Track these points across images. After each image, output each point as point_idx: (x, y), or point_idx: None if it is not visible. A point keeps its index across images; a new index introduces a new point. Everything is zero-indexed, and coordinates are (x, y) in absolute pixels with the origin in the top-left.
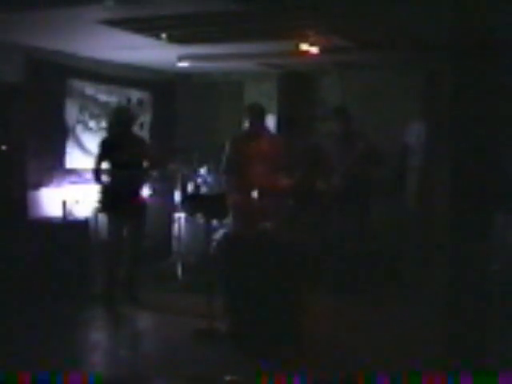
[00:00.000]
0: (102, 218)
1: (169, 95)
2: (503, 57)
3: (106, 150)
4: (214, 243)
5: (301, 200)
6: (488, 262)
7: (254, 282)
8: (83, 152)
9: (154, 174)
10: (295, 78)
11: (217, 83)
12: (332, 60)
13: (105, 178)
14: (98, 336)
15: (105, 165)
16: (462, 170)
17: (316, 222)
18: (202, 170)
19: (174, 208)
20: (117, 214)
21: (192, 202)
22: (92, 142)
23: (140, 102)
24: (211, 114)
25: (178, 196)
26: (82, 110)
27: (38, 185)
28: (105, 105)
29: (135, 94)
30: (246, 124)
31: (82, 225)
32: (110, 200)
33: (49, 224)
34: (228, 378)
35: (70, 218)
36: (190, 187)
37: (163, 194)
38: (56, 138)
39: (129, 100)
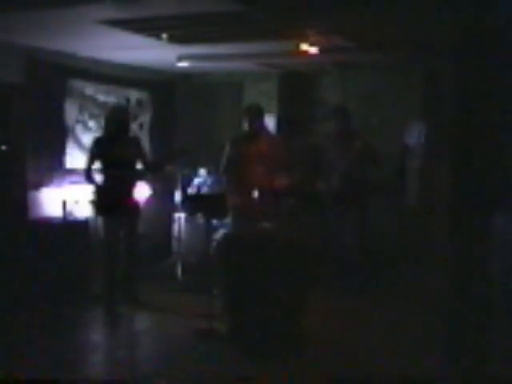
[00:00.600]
0: (101, 218)
1: (168, 95)
2: (503, 56)
3: (99, 150)
4: (214, 243)
5: (300, 200)
6: (488, 262)
7: (254, 281)
8: (83, 152)
9: (150, 175)
10: (295, 78)
11: (217, 83)
12: (332, 60)
13: (98, 178)
14: (98, 336)
15: (97, 164)
16: (462, 169)
17: (316, 221)
18: (202, 170)
19: (174, 208)
20: (111, 216)
21: (192, 202)
22: None
23: (140, 102)
24: (211, 114)
25: (178, 196)
26: (81, 110)
27: (38, 185)
28: (105, 105)
29: (135, 94)
30: (245, 125)
31: (82, 225)
32: (103, 201)
33: (49, 224)
34: (228, 377)
35: (70, 218)
36: (189, 187)
37: (163, 194)
38: (56, 138)
39: (128, 100)
